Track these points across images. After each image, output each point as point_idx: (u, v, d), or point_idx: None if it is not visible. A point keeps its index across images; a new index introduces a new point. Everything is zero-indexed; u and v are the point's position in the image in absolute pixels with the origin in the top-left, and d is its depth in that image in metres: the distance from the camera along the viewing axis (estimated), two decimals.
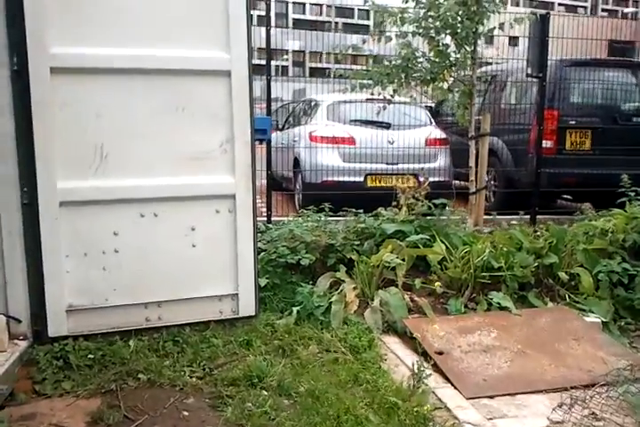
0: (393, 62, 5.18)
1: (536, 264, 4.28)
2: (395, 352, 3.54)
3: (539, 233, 4.81)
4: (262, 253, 4.35)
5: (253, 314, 3.81)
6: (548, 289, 4.37)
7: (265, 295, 4.12)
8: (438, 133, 7.64)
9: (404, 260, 4.28)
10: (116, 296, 3.51)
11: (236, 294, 3.75)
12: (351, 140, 7.18)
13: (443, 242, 4.52)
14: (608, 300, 4.17)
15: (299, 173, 7.53)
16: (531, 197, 6.89)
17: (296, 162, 7.63)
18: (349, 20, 53.76)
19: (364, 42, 5.51)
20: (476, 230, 5.19)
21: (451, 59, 5.18)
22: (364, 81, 5.32)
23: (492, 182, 7.93)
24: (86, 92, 3.34)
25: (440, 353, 3.39)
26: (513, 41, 8.21)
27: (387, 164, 7.14)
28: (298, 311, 3.95)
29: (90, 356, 3.30)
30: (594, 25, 8.25)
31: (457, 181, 7.89)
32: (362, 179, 7.13)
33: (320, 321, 3.90)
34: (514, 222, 6.94)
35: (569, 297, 4.27)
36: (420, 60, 5.16)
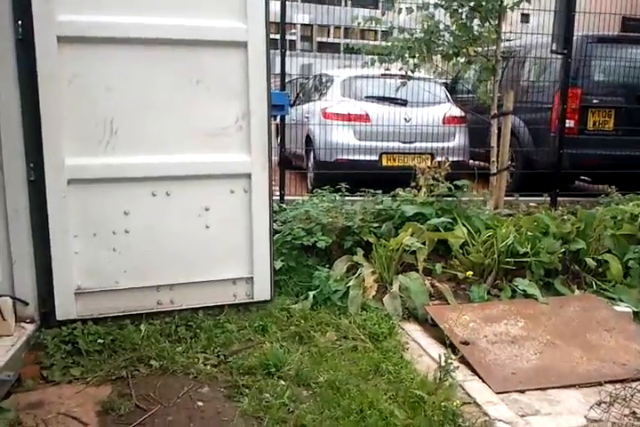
0: (415, 35, 4.94)
1: (562, 250, 4.10)
2: (416, 341, 3.39)
3: (565, 217, 4.62)
4: (277, 235, 4.19)
5: (269, 298, 3.67)
6: (574, 276, 4.19)
7: (280, 279, 3.96)
8: (456, 111, 7.39)
9: (424, 243, 4.11)
10: (126, 278, 3.37)
11: (251, 278, 3.60)
12: (366, 118, 6.95)
13: (464, 225, 4.34)
14: (638, 288, 4.00)
15: (311, 150, 7.32)
16: (550, 178, 6.68)
17: (308, 139, 7.42)
18: None
19: (383, 14, 5.25)
20: (497, 213, 5.00)
21: (475, 32, 4.93)
22: (384, 56, 5.07)
23: (510, 162, 7.71)
24: (96, 64, 3.16)
25: (466, 343, 3.23)
26: (524, 17, 7.92)
27: (402, 142, 6.91)
28: (314, 296, 3.80)
29: (99, 341, 3.16)
30: (609, 1, 7.94)
31: (472, 161, 7.69)
32: (377, 158, 6.90)
33: (337, 306, 3.75)
34: (532, 204, 6.78)
35: (596, 284, 4.11)
36: (443, 33, 4.90)
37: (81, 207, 3.23)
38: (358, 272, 4.04)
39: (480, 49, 5.09)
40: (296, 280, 4.04)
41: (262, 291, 3.64)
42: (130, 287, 3.37)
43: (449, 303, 3.82)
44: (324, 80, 8.14)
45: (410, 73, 5.26)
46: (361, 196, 4.95)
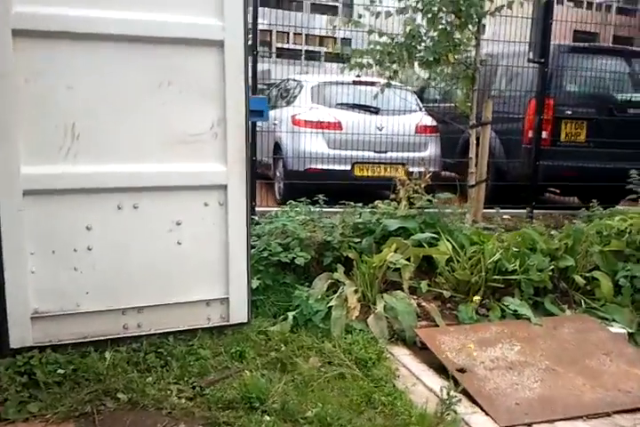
0: (395, 40, 4.72)
1: (551, 267, 3.92)
2: (407, 367, 3.14)
3: (552, 232, 4.45)
4: (252, 251, 3.88)
5: (245, 321, 3.38)
6: (562, 294, 4.01)
7: (256, 298, 3.67)
8: (429, 120, 7.21)
9: (408, 260, 3.88)
10: (89, 301, 3.04)
11: (227, 299, 3.31)
12: (338, 126, 6.70)
13: (448, 240, 4.13)
14: (630, 307, 3.84)
15: (279, 159, 7.05)
16: (520, 190, 6.57)
17: (276, 147, 7.14)
18: (317, 0, 52.60)
19: (360, 16, 5.02)
20: (477, 227, 4.81)
21: (455, 39, 4.73)
22: (360, 61, 4.83)
23: None
24: (57, 61, 2.84)
25: (462, 371, 3.00)
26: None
27: (375, 152, 6.69)
28: (294, 317, 3.53)
29: (59, 371, 2.83)
30: (559, 13, 7.94)
31: (443, 172, 7.54)
32: (349, 167, 6.66)
33: (319, 328, 3.49)
34: (506, 217, 6.65)
35: (585, 303, 3.93)
36: (425, 38, 4.68)
37: (38, 222, 2.90)
38: (339, 291, 3.79)
39: (458, 56, 4.89)
40: (273, 300, 3.75)
41: (238, 313, 3.34)
42: (93, 311, 3.05)
43: (437, 325, 3.59)
44: (292, 86, 7.86)
45: (389, 80, 5.02)
46: (339, 207, 4.69)
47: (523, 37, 6.63)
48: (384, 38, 4.75)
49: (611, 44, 7.62)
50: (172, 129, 3.09)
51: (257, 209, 5.58)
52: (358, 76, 6.06)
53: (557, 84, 6.83)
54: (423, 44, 4.69)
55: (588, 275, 4.04)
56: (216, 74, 3.12)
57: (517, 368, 3.07)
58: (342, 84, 6.77)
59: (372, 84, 6.63)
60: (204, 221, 3.23)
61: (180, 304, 3.21)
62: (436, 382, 2.94)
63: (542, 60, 5.87)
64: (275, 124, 7.12)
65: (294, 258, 3.86)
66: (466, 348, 3.19)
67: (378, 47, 4.69)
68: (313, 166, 6.50)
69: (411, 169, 6.58)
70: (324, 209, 4.83)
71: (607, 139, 6.75)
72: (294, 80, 7.77)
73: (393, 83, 6.29)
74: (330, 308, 3.62)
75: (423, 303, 3.76)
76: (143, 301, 3.13)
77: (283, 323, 3.52)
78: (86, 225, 2.98)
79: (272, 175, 7.27)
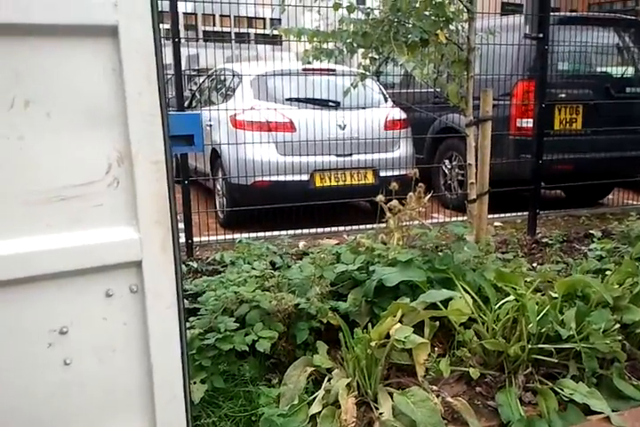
0: (372, 17, 3.46)
1: (616, 326, 2.81)
2: None
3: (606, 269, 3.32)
4: (190, 331, 2.65)
5: None
6: (626, 360, 2.91)
7: (201, 414, 2.43)
8: (398, 114, 5.99)
9: (420, 332, 2.71)
10: None
11: None
12: (289, 126, 5.41)
13: (466, 290, 2.98)
14: None
15: (219, 170, 5.73)
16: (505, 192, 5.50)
17: (214, 154, 5.81)
18: None
19: None
20: (489, 259, 3.66)
21: (448, 12, 3.52)
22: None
23: (456, 171, 6.48)
24: None
25: None
26: None
27: (338, 155, 5.45)
28: None
29: None
30: None
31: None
32: (307, 177, 5.40)
33: None
34: (497, 224, 5.59)
35: None
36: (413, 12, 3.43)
37: None
38: (325, 385, 2.60)
39: (450, 35, 3.69)
40: (228, 410, 2.52)
41: None
42: None
43: None
44: (227, 78, 6.48)
45: (365, 70, 3.78)
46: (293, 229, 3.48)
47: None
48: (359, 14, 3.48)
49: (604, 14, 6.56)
50: (40, 179, 1.79)
51: (194, 239, 4.31)
52: (309, 62, 4.81)
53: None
54: (409, 21, 3.44)
55: None
56: (109, 82, 1.83)
57: None
58: (289, 74, 5.43)
59: (329, 71, 5.40)
60: (108, 322, 1.96)
61: None
62: None
63: (541, 36, 4.75)
64: (210, 126, 5.76)
65: (256, 341, 2.63)
66: None
67: (351, 27, 3.42)
68: (261, 179, 5.19)
69: (382, 173, 5.43)
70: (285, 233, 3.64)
71: (606, 125, 5.74)
72: (229, 71, 6.37)
73: (353, 69, 5.13)
74: (314, 417, 2.44)
75: (448, 398, 2.60)
76: None
77: None
78: None
79: (211, 186, 5.94)
